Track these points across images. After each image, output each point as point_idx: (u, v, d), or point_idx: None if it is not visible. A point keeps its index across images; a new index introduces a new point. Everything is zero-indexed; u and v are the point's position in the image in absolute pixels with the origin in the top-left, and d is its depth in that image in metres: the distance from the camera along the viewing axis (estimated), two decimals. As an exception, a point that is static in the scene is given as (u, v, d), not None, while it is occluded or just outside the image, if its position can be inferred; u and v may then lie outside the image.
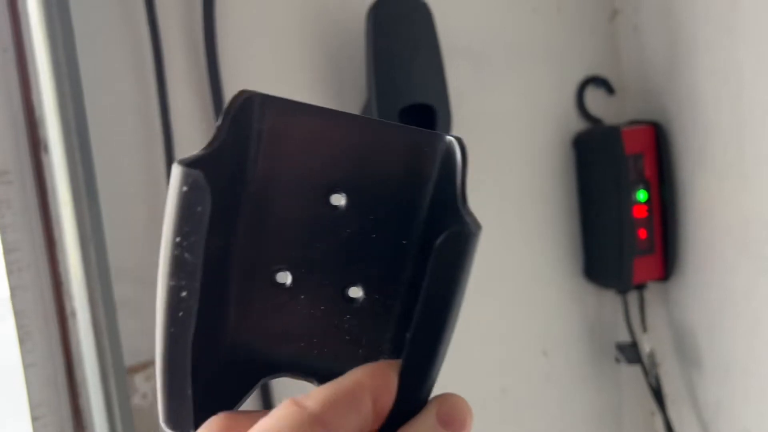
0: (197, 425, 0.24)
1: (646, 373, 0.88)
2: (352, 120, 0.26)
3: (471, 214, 0.24)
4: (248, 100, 0.24)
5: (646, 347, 0.88)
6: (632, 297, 0.89)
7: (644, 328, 0.88)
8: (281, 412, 0.22)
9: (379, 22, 0.71)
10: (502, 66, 0.84)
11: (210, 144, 0.24)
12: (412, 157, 0.26)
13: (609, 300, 0.91)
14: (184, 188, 0.23)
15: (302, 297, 0.26)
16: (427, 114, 0.72)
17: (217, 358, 0.25)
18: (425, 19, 0.72)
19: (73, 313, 0.64)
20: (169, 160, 0.68)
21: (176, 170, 0.23)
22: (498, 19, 0.84)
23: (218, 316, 0.25)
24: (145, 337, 0.69)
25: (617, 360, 0.91)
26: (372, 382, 0.23)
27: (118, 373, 0.60)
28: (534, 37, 0.86)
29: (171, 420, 0.24)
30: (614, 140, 0.83)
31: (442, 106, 0.72)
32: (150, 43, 0.67)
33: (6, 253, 0.64)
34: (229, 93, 0.70)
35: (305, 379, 0.27)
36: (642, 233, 0.84)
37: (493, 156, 0.84)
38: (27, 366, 0.65)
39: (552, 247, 0.88)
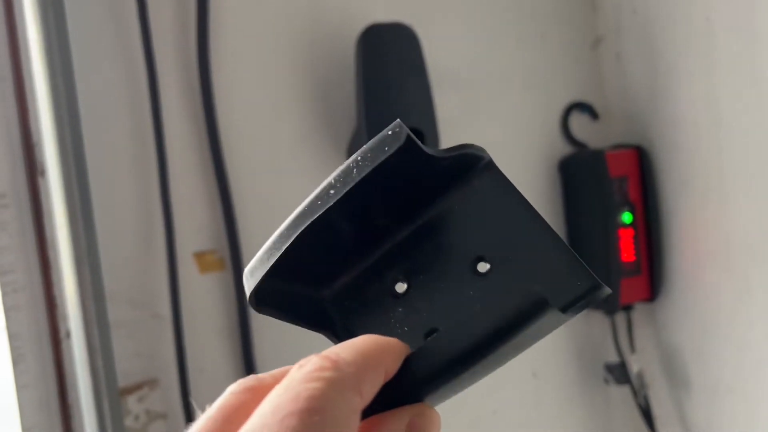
0: (259, 291, 0.28)
1: (635, 393, 0.89)
2: (542, 226, 0.28)
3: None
4: (478, 155, 0.29)
5: (634, 368, 0.89)
6: (620, 318, 0.90)
7: (632, 349, 0.90)
8: (322, 374, 0.21)
9: (368, 50, 0.73)
10: (488, 92, 0.86)
11: (433, 147, 0.28)
12: (562, 282, 0.28)
13: (597, 321, 0.92)
14: (389, 132, 0.27)
15: (400, 310, 0.29)
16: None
17: (301, 269, 0.29)
18: (414, 47, 0.74)
19: (68, 335, 0.65)
20: (164, 186, 0.70)
21: (396, 122, 0.27)
22: (484, 47, 0.86)
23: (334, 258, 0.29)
24: (138, 358, 0.70)
25: (606, 381, 0.92)
26: (388, 357, 0.24)
27: (112, 395, 0.60)
28: (519, 64, 0.88)
29: (251, 268, 0.28)
30: (599, 163, 0.85)
31: (430, 131, 0.74)
32: (146, 71, 0.69)
33: (1, 274, 0.65)
34: (222, 121, 0.72)
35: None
36: (628, 255, 0.86)
37: (481, 180, 0.86)
38: (20, 387, 0.65)
39: (540, 269, 0.90)
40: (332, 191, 0.28)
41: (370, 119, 0.72)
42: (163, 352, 0.70)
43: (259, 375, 0.24)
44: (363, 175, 0.27)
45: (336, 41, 0.77)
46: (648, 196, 0.86)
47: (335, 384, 0.21)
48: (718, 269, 0.80)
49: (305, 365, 0.22)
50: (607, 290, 0.27)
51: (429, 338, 0.28)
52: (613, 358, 0.91)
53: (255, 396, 0.23)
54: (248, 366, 0.72)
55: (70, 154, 0.59)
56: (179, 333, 0.69)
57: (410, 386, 0.26)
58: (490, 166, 0.29)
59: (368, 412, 0.24)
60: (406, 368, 0.25)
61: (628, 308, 0.89)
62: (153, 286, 0.70)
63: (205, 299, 0.72)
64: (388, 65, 0.73)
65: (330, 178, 0.28)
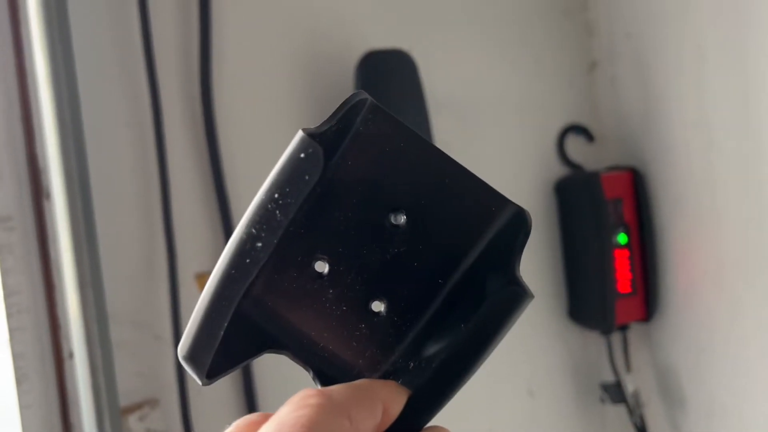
0: (210, 370, 0.26)
1: (630, 412, 0.90)
2: (440, 156, 0.28)
3: (523, 281, 0.27)
4: (362, 101, 0.27)
5: (630, 387, 0.90)
6: (616, 338, 0.91)
7: (628, 369, 0.90)
8: (309, 401, 0.22)
9: (367, 75, 0.75)
10: (485, 116, 0.88)
11: (322, 125, 0.26)
12: (479, 211, 0.28)
13: (593, 340, 0.93)
14: (302, 155, 0.25)
15: (330, 291, 0.27)
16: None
17: (238, 309, 0.26)
18: (411, 71, 0.76)
19: (71, 355, 0.66)
20: (166, 208, 0.71)
21: (300, 136, 0.26)
22: (481, 72, 0.88)
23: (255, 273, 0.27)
24: (139, 378, 0.71)
25: (602, 400, 0.93)
26: (385, 395, 0.25)
27: (113, 414, 0.61)
28: (515, 88, 0.90)
29: (191, 354, 0.26)
30: (594, 185, 0.86)
31: (427, 154, 0.75)
32: (149, 96, 0.71)
33: (6, 296, 0.66)
34: (223, 142, 0.74)
35: (303, 366, 0.28)
36: (623, 276, 0.87)
37: (478, 201, 0.87)
38: (23, 407, 0.66)
39: (536, 289, 0.90)
40: (259, 244, 0.25)
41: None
42: (163, 372, 0.72)
43: (267, 413, 0.25)
44: (290, 217, 0.25)
45: (335, 66, 0.79)
46: (643, 218, 0.87)
47: (322, 408, 0.22)
48: (712, 290, 0.81)
49: (294, 397, 0.23)
50: (520, 209, 0.27)
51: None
52: (608, 377, 0.92)
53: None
54: (248, 387, 0.73)
55: (75, 178, 0.61)
56: (180, 353, 0.70)
57: (415, 420, 0.26)
58: (374, 108, 0.27)
59: None
60: (409, 406, 0.26)
61: (623, 328, 0.90)
62: (154, 307, 0.71)
63: (206, 319, 0.73)
64: (387, 90, 0.75)
65: (248, 225, 0.25)
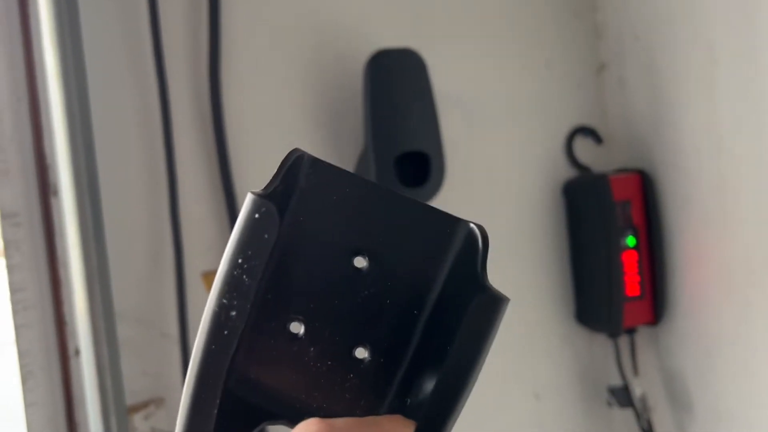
0: None
1: (638, 416, 0.89)
2: (386, 193, 0.28)
3: (495, 288, 0.27)
4: (299, 158, 0.28)
5: (637, 391, 0.90)
6: (623, 341, 0.90)
7: (635, 372, 0.90)
8: (311, 428, 0.22)
9: (376, 75, 0.74)
10: (494, 117, 0.88)
11: (266, 187, 0.27)
12: (435, 236, 0.28)
13: (600, 344, 0.93)
14: (256, 215, 0.26)
15: (311, 350, 0.27)
16: (421, 162, 0.75)
17: (225, 388, 0.26)
18: (420, 71, 0.76)
19: (76, 353, 0.66)
20: (174, 206, 0.71)
21: (250, 198, 0.26)
22: (490, 73, 0.88)
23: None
24: (145, 376, 0.71)
25: (609, 403, 0.92)
26: (391, 428, 0.25)
27: (119, 412, 0.61)
28: (524, 90, 0.90)
29: None
30: (603, 187, 0.86)
31: (436, 154, 0.75)
32: (158, 95, 0.71)
33: (12, 292, 0.66)
34: (232, 141, 0.73)
35: None
36: (631, 278, 0.87)
37: (485, 203, 0.87)
38: (28, 405, 0.66)
39: (544, 292, 0.91)
40: (233, 312, 0.25)
41: (378, 142, 0.73)
42: (169, 370, 0.71)
43: None
44: (257, 278, 0.25)
45: (345, 66, 0.79)
46: (651, 220, 0.87)
47: None
48: (720, 293, 0.81)
49: (298, 426, 0.23)
50: (472, 226, 0.27)
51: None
52: (616, 380, 0.91)
53: None
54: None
55: (83, 175, 0.61)
56: (186, 352, 0.70)
57: None
58: (313, 162, 0.27)
59: None
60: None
61: (631, 331, 0.89)
62: (161, 305, 0.71)
63: (212, 318, 0.73)
64: (396, 89, 0.75)
65: (219, 296, 0.25)
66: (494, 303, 0.27)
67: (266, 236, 0.25)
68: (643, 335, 0.91)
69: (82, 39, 0.63)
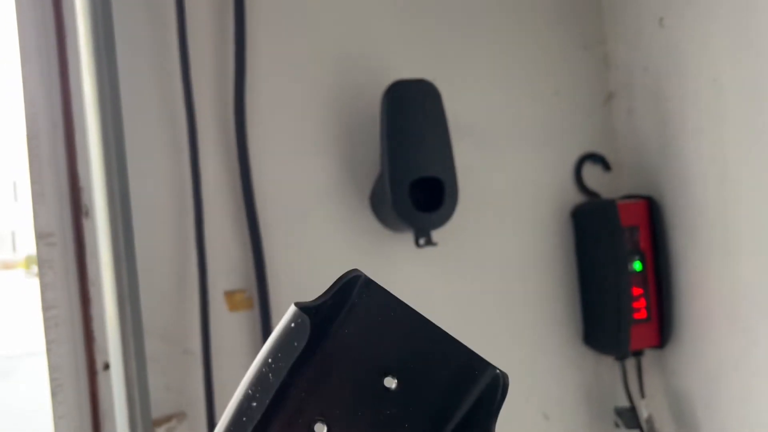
0: None
1: (644, 438, 0.91)
2: (427, 324, 0.30)
3: None
4: (355, 278, 0.30)
5: (644, 412, 0.91)
6: (630, 363, 0.92)
7: (642, 394, 0.92)
8: None
9: (393, 104, 0.77)
10: (505, 144, 0.91)
11: (317, 299, 0.30)
12: (463, 372, 0.30)
13: (607, 366, 0.95)
14: (292, 325, 0.28)
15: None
16: (436, 187, 0.78)
17: None
18: (435, 100, 0.79)
19: (105, 367, 0.68)
20: (199, 228, 0.74)
21: (292, 309, 0.29)
22: (502, 102, 0.91)
23: None
24: (168, 391, 0.73)
25: (616, 425, 0.94)
26: None
27: (146, 426, 0.64)
28: (535, 118, 0.92)
29: None
30: (611, 212, 0.88)
31: (449, 179, 0.78)
32: (186, 123, 0.74)
33: (45, 309, 0.69)
34: (255, 165, 0.77)
35: None
36: (638, 302, 0.89)
37: (496, 227, 0.90)
38: (57, 418, 0.69)
39: (552, 314, 0.93)
40: (254, 403, 0.27)
41: (394, 168, 0.76)
42: (192, 386, 0.74)
43: None
44: (281, 379, 0.27)
45: (364, 95, 0.82)
46: (658, 246, 0.89)
47: None
48: (725, 319, 0.82)
49: None
50: (498, 373, 0.30)
51: None
52: (623, 402, 0.93)
53: None
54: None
55: (117, 198, 0.64)
56: (208, 368, 0.73)
57: None
58: (367, 282, 0.30)
59: None
60: None
61: (638, 354, 0.91)
62: (185, 323, 0.74)
63: (234, 336, 0.76)
64: (411, 118, 0.78)
65: (247, 386, 0.28)
66: None
67: (296, 344, 0.28)
68: (649, 358, 0.93)
69: (118, 70, 0.67)
